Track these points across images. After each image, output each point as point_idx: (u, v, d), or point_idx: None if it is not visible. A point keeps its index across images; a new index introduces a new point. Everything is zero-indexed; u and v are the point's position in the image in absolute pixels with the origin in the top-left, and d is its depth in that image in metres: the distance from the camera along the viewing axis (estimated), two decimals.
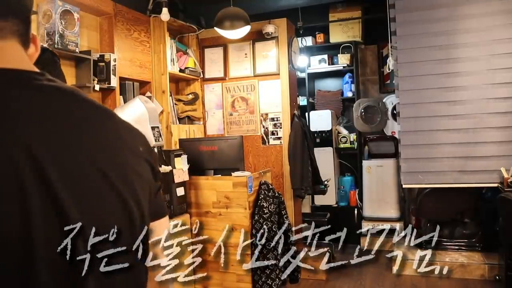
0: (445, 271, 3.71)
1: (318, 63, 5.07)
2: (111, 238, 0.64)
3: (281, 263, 3.20)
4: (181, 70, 3.79)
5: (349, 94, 5.08)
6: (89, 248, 0.61)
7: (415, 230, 4.68)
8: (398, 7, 3.87)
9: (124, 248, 0.66)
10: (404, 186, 4.06)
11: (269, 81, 3.90)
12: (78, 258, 0.60)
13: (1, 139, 0.57)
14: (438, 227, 4.13)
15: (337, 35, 4.96)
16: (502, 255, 3.52)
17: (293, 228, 3.62)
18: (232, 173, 3.14)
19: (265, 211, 3.10)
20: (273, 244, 3.10)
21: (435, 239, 4.10)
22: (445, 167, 3.80)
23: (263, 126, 3.95)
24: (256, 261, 3.07)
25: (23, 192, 0.56)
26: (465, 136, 3.75)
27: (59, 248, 0.58)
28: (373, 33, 5.05)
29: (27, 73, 0.66)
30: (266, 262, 3.06)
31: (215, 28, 3.38)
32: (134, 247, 0.69)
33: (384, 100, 4.96)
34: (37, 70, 0.68)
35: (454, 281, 3.64)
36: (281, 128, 3.89)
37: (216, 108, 4.11)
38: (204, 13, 4.06)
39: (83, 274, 0.60)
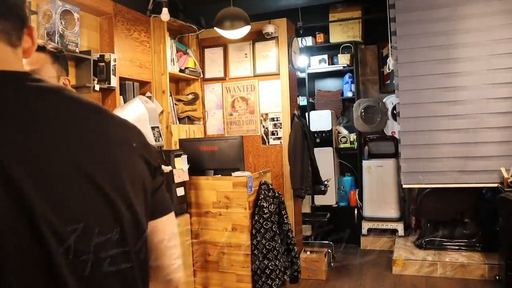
0: (444, 272, 3.72)
1: (318, 63, 5.07)
2: (96, 240, 0.62)
3: (281, 263, 3.20)
4: (181, 70, 3.79)
5: (349, 94, 5.08)
6: (68, 251, 0.58)
7: (415, 230, 4.69)
8: (398, 7, 3.87)
9: (113, 249, 0.64)
10: (404, 186, 4.06)
11: (269, 81, 3.90)
12: (54, 261, 0.57)
13: None
14: (438, 227, 4.14)
15: (337, 35, 4.96)
16: (502, 255, 3.52)
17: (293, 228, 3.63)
18: (232, 173, 3.14)
19: (265, 211, 3.10)
20: (273, 244, 3.10)
21: (435, 239, 4.10)
22: (445, 167, 3.80)
23: (263, 126, 3.95)
24: (256, 261, 3.07)
25: None
26: (465, 136, 3.75)
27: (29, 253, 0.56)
28: (373, 33, 5.05)
29: (9, 74, 0.64)
30: (266, 262, 3.06)
31: (215, 28, 3.39)
32: (128, 247, 0.67)
33: (384, 100, 4.96)
34: (22, 70, 0.67)
35: (454, 281, 3.64)
36: (281, 128, 3.89)
37: (216, 108, 4.11)
38: (204, 13, 4.06)
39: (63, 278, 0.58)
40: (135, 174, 0.70)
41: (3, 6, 0.65)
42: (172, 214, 0.79)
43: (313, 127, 4.87)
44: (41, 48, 1.41)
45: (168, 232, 0.78)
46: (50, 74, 1.41)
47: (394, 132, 4.96)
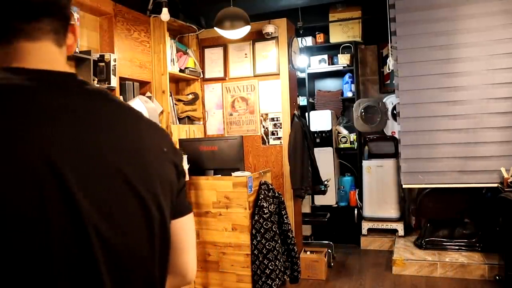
0: (444, 272, 3.72)
1: (318, 63, 5.07)
2: (130, 240, 0.66)
3: (281, 263, 3.20)
4: (181, 70, 3.79)
5: (349, 94, 5.08)
6: (105, 249, 0.62)
7: (415, 230, 4.69)
8: (398, 7, 3.87)
9: (140, 250, 0.67)
10: (404, 186, 4.06)
11: (269, 81, 3.90)
12: (95, 259, 0.61)
13: (21, 145, 0.57)
14: (438, 227, 4.14)
15: (337, 35, 4.96)
16: (502, 255, 3.52)
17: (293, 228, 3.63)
18: (232, 173, 3.14)
19: (265, 211, 3.10)
20: (273, 244, 3.10)
21: (435, 239, 4.10)
22: (445, 167, 3.80)
23: (263, 126, 3.95)
24: (256, 261, 3.07)
25: (42, 196, 0.56)
26: (465, 136, 3.75)
27: (76, 251, 0.59)
28: (373, 33, 5.05)
29: (57, 74, 0.67)
30: (266, 262, 3.06)
31: (215, 28, 3.38)
32: (155, 247, 0.70)
33: (384, 100, 4.96)
34: (68, 71, 0.69)
35: (454, 281, 3.64)
36: (281, 128, 3.89)
37: (216, 108, 4.11)
38: (204, 13, 4.06)
39: (100, 276, 0.61)
40: (165, 177, 0.73)
41: (54, 6, 0.68)
42: (191, 214, 0.83)
43: (313, 127, 4.87)
44: None
45: (187, 230, 0.81)
46: None
47: (394, 132, 4.96)
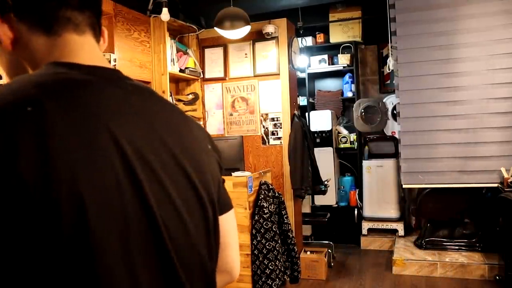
0: (444, 272, 3.72)
1: (318, 63, 5.07)
2: (191, 230, 0.67)
3: (281, 263, 3.20)
4: (181, 70, 3.79)
5: (349, 94, 5.08)
6: (173, 239, 0.63)
7: (415, 230, 4.69)
8: (398, 7, 3.87)
9: (198, 246, 0.69)
10: (404, 186, 4.06)
11: (269, 81, 3.90)
12: (167, 249, 0.62)
13: (98, 135, 0.58)
14: (438, 227, 4.14)
15: (337, 35, 4.96)
16: (502, 255, 3.53)
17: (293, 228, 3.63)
18: (232, 173, 3.14)
19: (265, 211, 3.10)
20: (273, 244, 3.10)
21: (435, 239, 4.11)
22: (445, 167, 3.80)
23: (263, 126, 3.95)
24: (256, 261, 3.07)
25: (118, 182, 0.58)
26: (465, 136, 3.75)
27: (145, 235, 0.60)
28: (373, 33, 5.06)
29: (110, 70, 0.67)
30: (266, 262, 3.06)
31: (215, 28, 3.39)
32: (210, 240, 0.72)
33: (384, 100, 4.96)
34: (111, 67, 0.69)
35: (454, 281, 3.64)
36: (281, 128, 3.89)
37: (216, 108, 4.11)
38: (204, 13, 4.07)
39: (169, 265, 0.63)
40: (214, 174, 0.75)
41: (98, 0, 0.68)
42: (233, 210, 0.83)
43: (313, 127, 4.87)
44: None
45: (232, 226, 0.82)
46: None
47: (394, 132, 4.96)
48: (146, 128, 0.64)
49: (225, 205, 0.80)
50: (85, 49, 0.66)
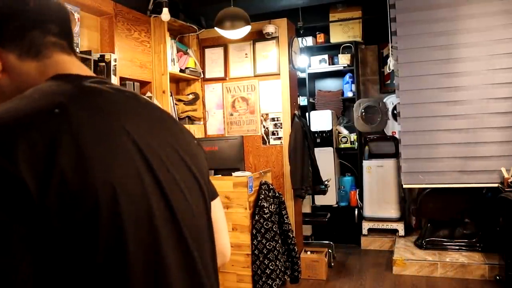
0: (445, 272, 3.72)
1: (318, 63, 5.07)
2: (199, 222, 0.76)
3: (282, 263, 3.20)
4: (181, 70, 3.79)
5: (350, 94, 5.08)
6: (187, 228, 0.72)
7: (415, 230, 4.69)
8: (399, 7, 3.87)
9: (204, 230, 0.78)
10: (404, 186, 4.06)
11: (269, 81, 3.91)
12: (182, 229, 0.70)
13: (116, 131, 0.66)
14: (438, 227, 4.14)
15: (337, 35, 4.96)
16: (502, 255, 3.53)
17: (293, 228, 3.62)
18: (233, 173, 3.14)
19: (266, 211, 3.10)
20: (273, 244, 3.10)
21: (435, 239, 4.11)
22: (446, 167, 3.80)
23: (264, 126, 3.95)
24: (256, 261, 3.08)
25: (141, 178, 0.65)
26: (466, 136, 3.75)
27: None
28: (374, 33, 5.05)
29: (105, 79, 0.77)
30: (266, 262, 3.06)
31: (215, 28, 3.39)
32: (209, 228, 0.81)
33: (384, 100, 4.96)
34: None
35: (454, 281, 3.64)
36: (281, 128, 3.89)
37: (216, 108, 4.11)
38: (205, 13, 4.06)
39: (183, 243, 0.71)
40: (205, 164, 0.85)
41: (71, 32, 0.79)
42: (219, 198, 0.92)
43: (314, 127, 4.87)
44: None
45: (221, 211, 0.92)
46: None
47: (395, 132, 4.96)
48: (149, 126, 0.73)
49: (214, 193, 0.89)
50: (76, 65, 0.75)
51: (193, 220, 0.74)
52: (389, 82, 5.18)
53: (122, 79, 3.15)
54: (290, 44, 3.87)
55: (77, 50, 2.67)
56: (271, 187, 3.31)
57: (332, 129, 4.90)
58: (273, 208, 3.20)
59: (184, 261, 0.70)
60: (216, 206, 0.88)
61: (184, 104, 3.92)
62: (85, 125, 0.61)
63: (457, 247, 4.00)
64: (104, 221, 0.58)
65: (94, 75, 0.75)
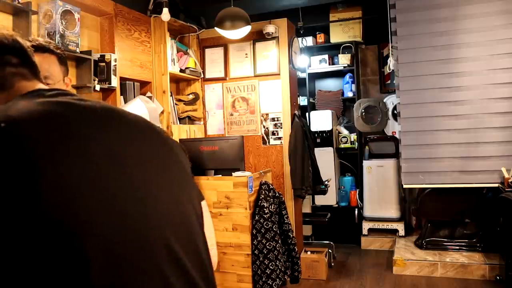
0: (445, 272, 3.72)
1: (318, 63, 5.07)
2: (194, 227, 0.79)
3: (282, 263, 3.20)
4: (181, 70, 3.79)
5: (350, 94, 5.08)
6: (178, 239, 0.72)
7: (415, 230, 4.69)
8: (399, 7, 3.87)
9: (200, 236, 0.80)
10: (404, 186, 4.05)
11: (269, 81, 3.90)
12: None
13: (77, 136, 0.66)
14: (438, 228, 4.14)
15: (337, 35, 4.96)
16: (502, 255, 3.53)
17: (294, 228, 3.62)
18: (233, 173, 3.14)
19: (266, 211, 3.10)
20: (273, 244, 3.10)
21: (435, 239, 4.10)
22: (446, 167, 3.80)
23: (264, 126, 3.95)
24: (256, 261, 3.07)
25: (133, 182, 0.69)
26: (466, 136, 3.74)
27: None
28: (374, 33, 5.05)
29: (64, 90, 0.80)
30: (266, 262, 3.06)
31: (215, 28, 3.39)
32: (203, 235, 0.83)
33: (384, 100, 4.96)
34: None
35: (454, 281, 3.64)
36: (281, 128, 3.89)
37: (216, 108, 4.11)
38: (205, 13, 4.06)
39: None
40: (189, 171, 0.86)
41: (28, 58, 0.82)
42: (205, 201, 0.93)
43: (314, 127, 4.87)
44: (47, 50, 1.38)
45: (206, 218, 0.90)
46: (59, 76, 1.40)
47: (395, 132, 4.95)
48: (118, 135, 0.73)
49: (200, 196, 0.90)
50: (38, 87, 0.78)
51: (187, 233, 0.75)
52: (389, 82, 5.18)
53: (122, 79, 3.14)
54: (290, 44, 3.87)
55: (77, 50, 2.67)
56: (271, 187, 3.31)
57: (332, 129, 4.90)
58: (273, 208, 3.20)
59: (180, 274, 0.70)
60: (204, 209, 0.89)
61: (184, 104, 3.92)
62: (36, 136, 0.60)
63: (457, 247, 3.99)
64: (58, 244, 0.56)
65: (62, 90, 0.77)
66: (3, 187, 0.54)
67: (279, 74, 3.87)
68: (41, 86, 0.79)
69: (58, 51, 1.42)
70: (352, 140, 4.99)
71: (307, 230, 4.66)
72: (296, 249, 3.40)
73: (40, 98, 0.70)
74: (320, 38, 5.06)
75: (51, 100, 0.70)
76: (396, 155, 4.71)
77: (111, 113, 0.75)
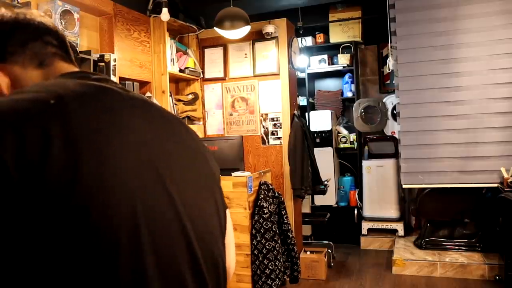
0: (444, 272, 3.72)
1: (318, 63, 5.07)
2: (212, 229, 0.75)
3: (281, 263, 3.20)
4: (181, 70, 3.79)
5: (349, 94, 5.08)
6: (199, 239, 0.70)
7: (414, 230, 4.69)
8: (398, 7, 3.87)
9: (220, 241, 0.78)
10: (404, 186, 4.06)
11: (269, 81, 3.90)
12: (192, 244, 0.68)
13: (120, 126, 0.64)
14: (438, 228, 4.14)
15: (337, 35, 4.96)
16: (502, 255, 3.53)
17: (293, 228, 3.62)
18: (232, 173, 3.14)
19: (265, 211, 3.10)
20: (273, 244, 3.10)
21: (435, 239, 4.11)
22: (445, 167, 3.80)
23: (263, 126, 3.95)
24: (256, 261, 3.07)
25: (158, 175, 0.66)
26: (465, 136, 3.75)
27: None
28: (373, 33, 5.06)
29: (105, 76, 0.79)
30: (266, 262, 3.06)
31: (215, 28, 3.38)
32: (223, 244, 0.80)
33: (384, 100, 4.96)
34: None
35: (454, 281, 3.64)
36: (281, 128, 3.89)
37: (216, 108, 4.11)
38: (204, 13, 4.06)
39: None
40: (218, 174, 0.83)
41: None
42: (229, 210, 0.89)
43: (313, 127, 4.87)
44: None
45: (229, 226, 0.87)
46: None
47: (394, 132, 4.96)
48: (157, 130, 0.71)
49: (224, 204, 0.86)
50: (77, 70, 0.77)
51: (208, 236, 0.73)
52: (388, 82, 5.18)
53: (121, 79, 3.14)
54: (289, 44, 3.87)
55: (77, 50, 2.66)
56: (270, 187, 3.31)
57: (331, 129, 4.90)
58: (273, 208, 3.20)
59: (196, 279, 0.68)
60: (228, 217, 0.86)
61: (183, 104, 3.92)
62: (83, 117, 0.60)
63: (456, 247, 4.00)
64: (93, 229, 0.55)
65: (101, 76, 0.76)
66: (45, 161, 0.53)
67: (278, 74, 3.87)
68: (78, 69, 0.79)
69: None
70: (351, 140, 4.99)
71: (307, 230, 4.66)
72: (296, 249, 3.40)
73: (86, 80, 0.70)
74: (320, 38, 5.06)
75: (97, 85, 0.69)
76: (395, 155, 4.71)
77: (150, 108, 0.74)
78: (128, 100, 0.70)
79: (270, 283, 3.05)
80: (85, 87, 0.66)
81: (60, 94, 0.60)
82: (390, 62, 4.11)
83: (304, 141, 3.79)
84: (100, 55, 2.94)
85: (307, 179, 3.77)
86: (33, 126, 0.54)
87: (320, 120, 4.89)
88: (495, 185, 3.62)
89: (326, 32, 5.04)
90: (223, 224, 0.79)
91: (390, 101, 4.98)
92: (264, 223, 3.07)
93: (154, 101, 3.42)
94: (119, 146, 0.62)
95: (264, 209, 3.10)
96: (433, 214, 4.14)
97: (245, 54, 3.98)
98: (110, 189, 0.57)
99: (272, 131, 3.92)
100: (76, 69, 0.77)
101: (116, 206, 0.57)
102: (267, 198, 3.19)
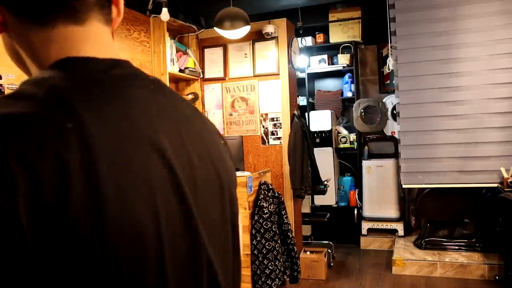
0: (444, 272, 3.72)
1: (318, 63, 5.07)
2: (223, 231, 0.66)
3: (281, 263, 3.20)
4: (181, 70, 3.79)
5: (349, 94, 5.08)
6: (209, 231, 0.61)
7: (414, 230, 4.69)
8: (398, 7, 3.87)
9: (229, 237, 0.68)
10: (404, 186, 4.06)
11: (269, 81, 3.90)
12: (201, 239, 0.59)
13: (140, 144, 0.53)
14: (438, 228, 4.14)
15: (337, 35, 4.96)
16: (502, 255, 3.53)
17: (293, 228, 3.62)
18: None
19: (265, 211, 3.10)
20: (273, 244, 3.10)
21: (435, 239, 4.11)
22: (445, 167, 3.80)
23: (263, 126, 3.95)
24: (256, 261, 3.07)
25: (171, 175, 0.55)
26: (465, 136, 3.75)
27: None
28: (373, 33, 5.06)
29: (124, 66, 0.58)
30: (266, 262, 3.06)
31: (215, 28, 3.38)
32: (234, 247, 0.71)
33: (384, 100, 4.96)
34: (121, 58, 0.60)
35: (454, 281, 3.64)
36: (281, 128, 3.89)
37: (216, 108, 4.11)
38: (204, 13, 4.06)
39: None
40: (233, 171, 0.72)
41: None
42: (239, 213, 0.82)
43: (313, 127, 4.87)
44: None
45: (240, 224, 0.80)
46: None
47: (394, 132, 4.96)
48: (178, 134, 0.59)
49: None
50: (90, 42, 0.55)
51: (218, 238, 0.64)
52: (388, 82, 5.18)
53: None
54: (289, 44, 3.87)
55: None
56: (270, 187, 3.31)
57: (331, 129, 4.90)
58: (273, 208, 3.20)
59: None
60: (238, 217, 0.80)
61: None
62: (103, 142, 0.49)
63: (456, 247, 4.00)
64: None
65: (112, 54, 0.58)
66: (62, 169, 0.44)
67: (278, 74, 3.87)
68: (95, 39, 0.58)
69: None
70: (351, 140, 4.99)
71: (307, 230, 4.66)
72: (296, 249, 3.40)
73: (125, 88, 0.56)
74: (320, 38, 5.06)
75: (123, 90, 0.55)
76: (395, 155, 4.71)
77: (181, 114, 0.63)
78: (148, 101, 0.57)
79: (270, 283, 3.05)
80: (95, 88, 0.52)
81: (78, 111, 0.48)
82: (390, 62, 4.11)
83: (304, 141, 3.79)
84: None
85: (307, 179, 3.77)
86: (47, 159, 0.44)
87: (320, 120, 4.89)
88: (495, 185, 3.63)
89: (326, 32, 5.04)
90: (237, 249, 0.71)
91: (390, 101, 4.98)
92: (264, 223, 3.07)
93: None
94: (137, 158, 0.51)
95: (264, 209, 3.10)
96: (433, 214, 4.14)
97: (245, 54, 3.98)
98: (137, 235, 0.49)
99: (272, 131, 3.92)
100: (114, 55, 0.57)
101: (145, 258, 0.49)
102: (267, 198, 3.19)
